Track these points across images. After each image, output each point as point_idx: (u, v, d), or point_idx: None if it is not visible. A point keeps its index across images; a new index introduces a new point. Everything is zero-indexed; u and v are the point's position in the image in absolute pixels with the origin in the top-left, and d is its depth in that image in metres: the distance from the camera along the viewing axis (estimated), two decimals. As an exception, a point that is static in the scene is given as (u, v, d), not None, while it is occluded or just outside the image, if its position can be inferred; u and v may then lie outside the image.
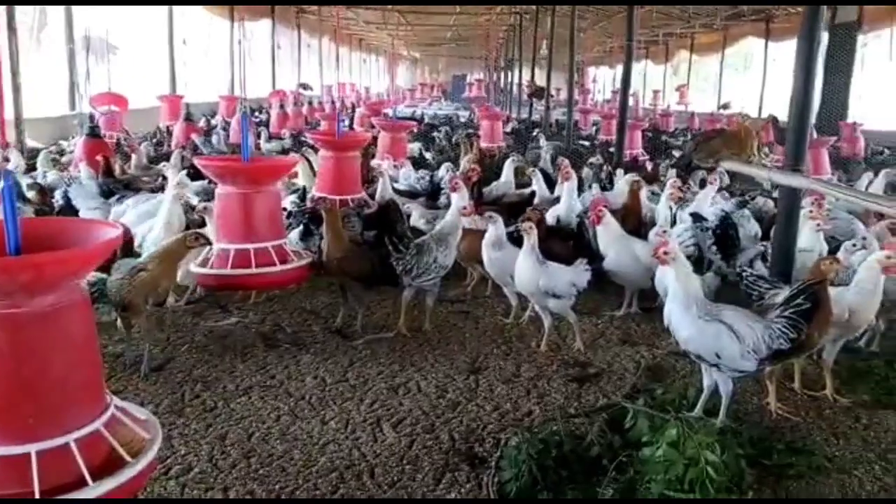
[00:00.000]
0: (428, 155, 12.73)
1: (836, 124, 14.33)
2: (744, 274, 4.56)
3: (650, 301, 5.60)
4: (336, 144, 7.30)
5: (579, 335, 4.99)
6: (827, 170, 10.31)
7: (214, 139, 13.25)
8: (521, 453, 3.34)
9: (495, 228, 5.18)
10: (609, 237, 5.55)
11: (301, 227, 5.89)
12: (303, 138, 13.03)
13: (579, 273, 4.89)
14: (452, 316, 5.59)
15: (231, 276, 4.79)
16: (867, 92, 17.07)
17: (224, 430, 3.75)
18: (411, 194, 8.10)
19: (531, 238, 4.82)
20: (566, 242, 6.11)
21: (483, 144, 13.25)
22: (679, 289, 3.78)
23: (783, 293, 4.12)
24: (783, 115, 10.24)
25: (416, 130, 14.69)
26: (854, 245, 5.02)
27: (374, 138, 11.48)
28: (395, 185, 8.42)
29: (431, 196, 8.00)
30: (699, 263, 5.13)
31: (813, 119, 5.15)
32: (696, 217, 5.61)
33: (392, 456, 3.53)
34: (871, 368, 4.48)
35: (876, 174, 8.79)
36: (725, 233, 5.61)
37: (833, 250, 5.46)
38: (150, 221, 5.72)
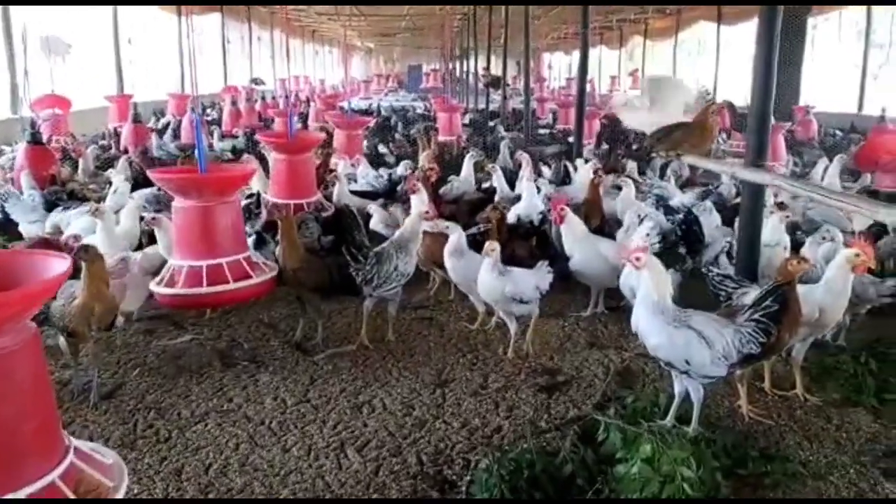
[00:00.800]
0: (382, 149, 12.48)
1: (789, 108, 14.45)
2: (710, 274, 4.48)
3: (616, 300, 5.51)
4: (288, 147, 7.04)
5: (531, 332, 4.87)
6: (784, 156, 10.35)
7: (165, 138, 12.88)
8: (491, 476, 3.23)
9: (456, 237, 5.03)
10: (574, 237, 5.43)
11: (254, 235, 5.67)
12: (256, 137, 12.70)
13: (542, 276, 4.78)
14: (416, 323, 5.43)
15: (199, 295, 4.50)
16: (817, 75, 17.26)
17: (180, 462, 3.56)
18: (370, 194, 7.91)
19: (493, 256, 4.67)
20: (528, 241, 5.99)
21: (441, 138, 13.07)
22: (650, 293, 3.67)
23: (751, 292, 4.06)
24: (738, 99, 10.30)
25: (371, 126, 14.36)
26: (823, 238, 5.00)
27: (330, 134, 11.23)
28: (353, 186, 8.22)
29: (390, 195, 7.83)
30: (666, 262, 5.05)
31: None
32: (668, 210, 5.54)
33: (358, 484, 3.38)
34: (840, 364, 4.43)
35: (830, 159, 8.83)
36: (690, 228, 5.58)
37: (796, 244, 5.44)
38: (93, 236, 5.42)
